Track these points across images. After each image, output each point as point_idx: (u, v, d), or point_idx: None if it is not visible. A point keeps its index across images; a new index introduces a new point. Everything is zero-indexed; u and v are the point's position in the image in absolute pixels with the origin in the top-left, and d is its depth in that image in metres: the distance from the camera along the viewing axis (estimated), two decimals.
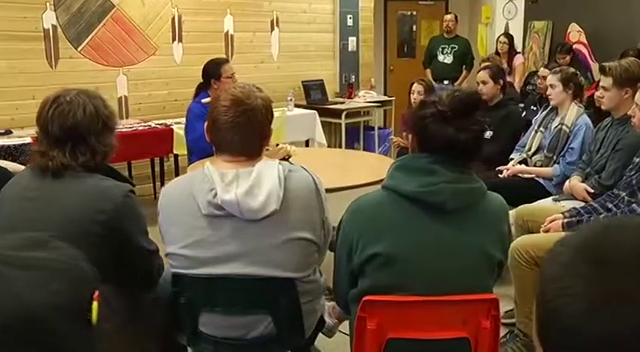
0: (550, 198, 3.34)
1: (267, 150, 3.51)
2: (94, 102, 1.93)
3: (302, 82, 6.45)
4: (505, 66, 6.28)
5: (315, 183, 1.78)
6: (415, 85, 4.58)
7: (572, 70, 3.67)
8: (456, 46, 6.74)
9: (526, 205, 3.12)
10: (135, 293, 1.96)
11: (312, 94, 6.51)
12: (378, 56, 8.63)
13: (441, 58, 6.79)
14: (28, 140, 4.16)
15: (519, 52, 6.40)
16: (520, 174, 3.68)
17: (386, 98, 6.99)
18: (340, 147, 6.36)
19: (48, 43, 4.80)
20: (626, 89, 2.99)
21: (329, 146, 6.41)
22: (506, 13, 6.78)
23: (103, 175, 1.94)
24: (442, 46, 6.81)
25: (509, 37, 6.33)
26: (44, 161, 1.82)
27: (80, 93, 1.94)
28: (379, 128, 6.73)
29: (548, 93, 3.71)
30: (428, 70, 6.94)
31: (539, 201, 3.31)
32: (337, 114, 6.26)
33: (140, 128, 4.81)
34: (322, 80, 6.65)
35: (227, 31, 5.91)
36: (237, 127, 1.73)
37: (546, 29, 6.51)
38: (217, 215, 1.69)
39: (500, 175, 3.75)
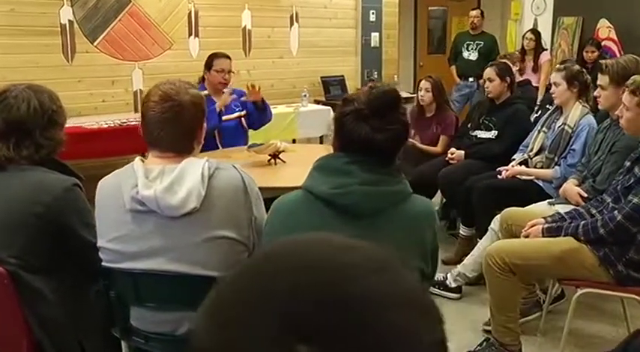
0: (546, 202, 3.20)
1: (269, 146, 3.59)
2: (39, 98, 1.96)
3: (321, 77, 6.41)
4: (531, 63, 6.08)
5: (244, 182, 1.75)
6: (423, 81, 4.47)
7: (577, 67, 3.50)
8: (482, 43, 6.55)
9: (512, 208, 2.99)
10: (78, 286, 1.98)
11: (332, 90, 6.46)
12: (408, 52, 8.50)
13: (465, 54, 6.62)
14: None
15: (546, 49, 6.17)
16: (519, 176, 3.54)
17: (407, 94, 6.86)
18: None
19: (64, 37, 4.92)
20: (624, 88, 2.82)
21: None
22: (535, 9, 6.54)
23: (52, 169, 1.97)
24: (467, 42, 6.64)
25: (536, 34, 6.10)
26: None
27: (27, 88, 1.97)
28: None
29: (552, 91, 3.55)
30: (453, 67, 6.78)
31: (533, 205, 3.18)
32: None
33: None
34: (343, 76, 6.60)
35: (244, 26, 5.92)
36: (164, 123, 1.71)
37: (575, 25, 6.24)
38: (140, 210, 1.68)
39: (499, 176, 3.62)
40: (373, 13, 6.72)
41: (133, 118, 4.92)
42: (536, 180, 3.49)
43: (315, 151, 4.24)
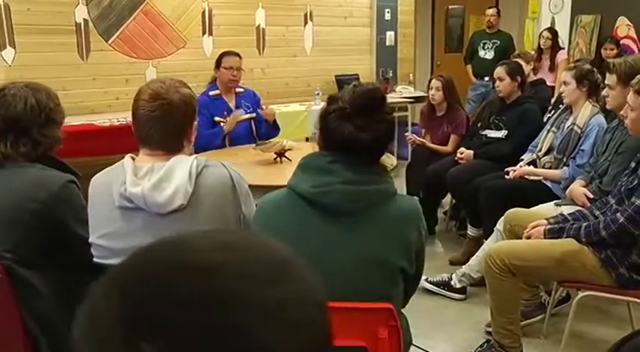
0: (552, 203, 3.15)
1: (274, 145, 3.60)
2: (36, 96, 1.99)
3: (335, 76, 6.41)
4: (548, 63, 5.99)
5: (232, 180, 1.76)
6: (433, 80, 4.44)
7: (587, 66, 3.44)
8: (498, 42, 6.48)
9: (516, 209, 2.95)
10: (73, 281, 2.00)
11: None
12: (425, 51, 8.45)
13: (481, 53, 6.55)
14: None
15: (563, 48, 6.08)
16: (527, 176, 3.50)
17: (422, 94, 6.82)
18: None
19: (79, 36, 4.99)
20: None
21: None
22: (553, 7, 6.45)
23: (49, 166, 2.00)
24: (483, 41, 6.57)
25: (553, 32, 6.01)
26: None
27: (26, 86, 2.01)
28: (412, 124, 6.58)
29: (561, 90, 3.50)
30: (469, 66, 6.71)
31: (540, 206, 3.13)
32: None
33: None
34: (357, 75, 6.58)
35: (259, 25, 5.94)
36: (153, 121, 1.73)
37: (594, 23, 6.14)
38: (129, 207, 1.70)
39: (506, 176, 3.57)
40: (388, 12, 6.70)
41: None
42: (544, 181, 3.44)
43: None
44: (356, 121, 1.49)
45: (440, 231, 4.41)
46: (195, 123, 1.84)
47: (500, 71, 3.97)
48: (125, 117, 4.86)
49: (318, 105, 5.85)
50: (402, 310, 1.77)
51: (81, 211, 1.96)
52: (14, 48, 4.76)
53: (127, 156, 1.78)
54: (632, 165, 2.50)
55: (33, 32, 4.80)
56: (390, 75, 6.87)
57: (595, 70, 3.45)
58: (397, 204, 1.56)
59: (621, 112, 2.54)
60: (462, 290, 3.32)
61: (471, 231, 3.80)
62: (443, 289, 3.36)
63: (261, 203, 1.66)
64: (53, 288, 1.96)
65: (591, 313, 3.01)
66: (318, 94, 5.90)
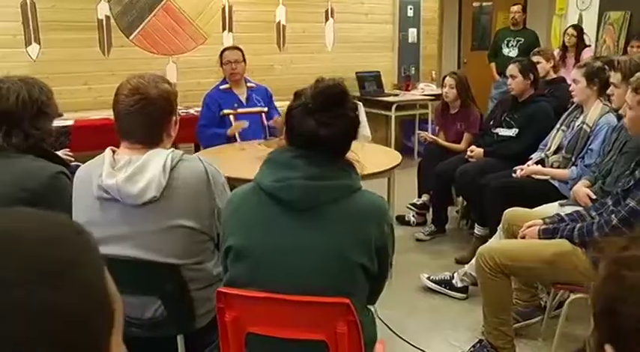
0: (557, 203, 3.10)
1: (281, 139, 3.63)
2: (29, 90, 2.06)
3: (356, 73, 6.40)
4: (572, 60, 5.85)
5: (207, 174, 1.79)
6: (447, 78, 4.40)
7: (598, 64, 3.35)
8: (522, 39, 6.36)
9: (515, 208, 2.91)
10: None
11: (367, 86, 6.44)
12: (452, 49, 8.35)
13: (505, 51, 6.45)
14: (70, 122, 4.49)
15: (589, 46, 5.92)
16: (534, 175, 3.44)
17: None
18: (389, 140, 6.24)
19: (101, 32, 5.12)
20: None
21: (380, 138, 6.32)
22: (580, 4, 6.29)
23: (41, 158, 2.07)
24: (507, 38, 6.46)
25: (578, 29, 5.87)
26: None
27: (20, 80, 2.08)
28: (432, 122, 6.52)
29: (571, 88, 3.43)
30: (493, 64, 6.61)
31: (544, 205, 3.08)
32: (388, 106, 6.15)
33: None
34: (379, 72, 6.56)
35: (279, 22, 5.97)
36: (132, 115, 1.78)
37: (622, 20, 5.96)
38: (106, 198, 1.75)
39: (514, 175, 3.52)
40: (411, 9, 6.65)
41: None
42: (551, 180, 3.38)
43: None
44: (317, 117, 1.50)
45: (451, 229, 4.37)
46: (174, 118, 1.88)
47: (512, 69, 3.91)
48: None
49: None
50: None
51: (70, 201, 2.03)
52: (39, 44, 4.91)
53: (108, 149, 1.83)
54: (632, 165, 2.44)
55: (57, 29, 4.95)
56: (413, 72, 6.82)
57: (607, 67, 3.36)
58: (359, 200, 1.56)
59: (620, 111, 2.48)
60: (463, 290, 3.29)
61: (477, 229, 3.76)
62: (444, 288, 3.33)
63: (231, 195, 1.69)
64: None
65: (588, 314, 2.94)
66: None
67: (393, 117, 6.13)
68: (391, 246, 1.66)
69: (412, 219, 4.45)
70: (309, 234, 1.51)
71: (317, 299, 1.48)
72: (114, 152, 1.84)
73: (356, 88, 6.43)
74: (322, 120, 1.50)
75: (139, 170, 1.73)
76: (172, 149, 1.82)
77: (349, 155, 1.60)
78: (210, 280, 1.84)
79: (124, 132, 1.82)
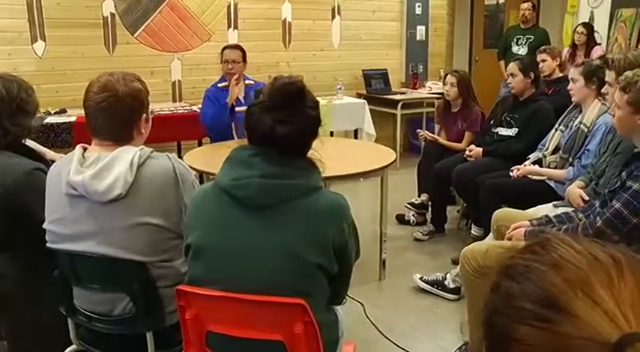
0: (551, 204, 3.04)
1: None
2: (7, 87, 2.09)
3: (362, 70, 6.36)
4: (582, 59, 5.75)
5: (175, 172, 1.79)
6: (448, 76, 4.35)
7: (597, 62, 3.29)
8: (532, 37, 6.26)
9: (505, 209, 2.87)
10: (35, 265, 2.08)
11: (374, 84, 6.40)
12: (463, 47, 8.27)
13: (515, 49, 6.35)
14: (73, 119, 4.53)
15: (599, 44, 5.81)
16: (530, 176, 3.38)
17: None
18: (395, 138, 6.20)
19: (106, 29, 5.15)
20: None
21: (387, 137, 6.28)
22: (592, 1, 6.17)
23: (19, 154, 2.09)
24: (517, 36, 6.36)
25: (588, 27, 5.76)
26: None
27: None
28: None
29: (569, 87, 3.36)
30: (502, 62, 6.52)
31: (538, 207, 3.02)
32: (394, 104, 6.11)
33: (180, 111, 5.03)
34: (386, 70, 6.51)
35: (285, 19, 5.96)
36: (100, 112, 1.79)
37: (635, 17, 5.82)
38: (74, 195, 1.76)
39: (511, 174, 3.47)
40: (419, 6, 6.59)
41: (166, 108, 5.09)
42: (547, 181, 3.32)
43: (330, 144, 4.22)
44: (275, 114, 1.48)
45: (451, 229, 4.32)
46: (145, 116, 1.88)
47: (512, 67, 3.85)
48: (150, 108, 5.00)
49: (340, 99, 5.83)
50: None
51: (45, 198, 2.04)
52: (44, 41, 4.96)
53: (78, 146, 1.84)
54: (620, 167, 2.39)
55: (62, 26, 4.99)
56: (421, 70, 6.76)
57: (605, 66, 3.29)
58: (318, 199, 1.54)
59: (609, 110, 2.42)
60: (455, 291, 3.25)
61: (474, 230, 3.71)
62: (436, 288, 3.30)
63: (195, 192, 1.69)
64: (15, 271, 2.05)
65: None
66: (340, 88, 5.88)
67: (399, 115, 6.08)
68: (354, 247, 1.63)
69: (412, 218, 4.42)
70: (266, 234, 1.50)
71: (272, 299, 1.47)
72: (85, 149, 1.85)
73: (362, 86, 6.39)
74: (278, 118, 1.48)
75: (106, 167, 1.73)
76: (142, 147, 1.82)
77: (312, 154, 1.58)
78: (179, 278, 1.83)
79: (93, 130, 1.83)
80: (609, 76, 2.72)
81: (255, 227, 1.51)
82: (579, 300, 0.57)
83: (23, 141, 2.16)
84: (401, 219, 4.44)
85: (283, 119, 1.48)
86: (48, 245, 1.87)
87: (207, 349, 1.61)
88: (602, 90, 2.88)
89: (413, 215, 4.42)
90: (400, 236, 4.22)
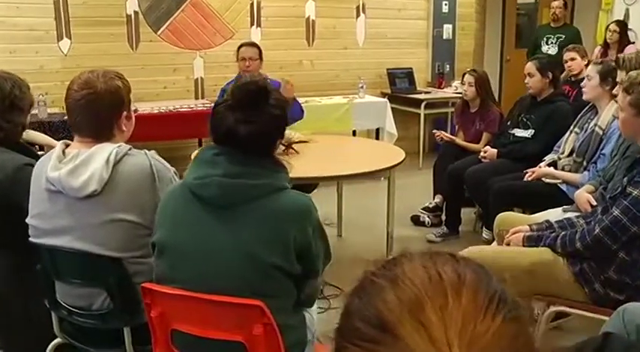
0: (561, 208, 2.94)
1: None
2: (1, 84, 2.12)
3: (387, 69, 6.30)
4: (614, 58, 5.55)
5: (152, 169, 1.79)
6: (466, 75, 4.27)
7: (614, 64, 3.16)
8: (563, 36, 6.08)
9: (508, 213, 2.78)
10: (24, 260, 2.12)
11: (398, 83, 6.32)
12: (495, 46, 8.09)
13: (545, 48, 6.18)
14: None
15: (633, 42, 5.60)
16: (544, 179, 3.28)
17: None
18: (418, 138, 6.11)
19: (130, 27, 5.24)
20: None
21: (411, 137, 6.20)
22: None
23: (13, 150, 2.13)
24: (547, 35, 6.19)
25: (621, 25, 5.56)
26: None
27: None
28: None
29: (582, 85, 3.24)
30: None
31: (547, 211, 2.93)
32: (418, 104, 6.02)
33: (201, 108, 5.07)
34: (411, 68, 6.42)
35: (308, 17, 5.94)
36: (79, 109, 1.81)
37: None
38: (53, 190, 1.78)
39: (527, 177, 3.36)
40: (446, 4, 6.47)
41: (187, 105, 5.15)
42: (559, 184, 3.21)
43: (338, 143, 4.19)
44: (237, 114, 1.47)
45: (465, 231, 4.23)
46: (126, 113, 1.89)
47: (530, 66, 3.74)
48: (172, 105, 5.07)
49: (362, 98, 5.78)
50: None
51: None
52: (70, 39, 5.08)
53: (60, 142, 1.87)
54: (624, 171, 2.28)
55: (87, 24, 5.09)
56: (447, 69, 6.65)
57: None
58: (281, 199, 1.52)
59: (612, 113, 2.32)
60: None
61: (485, 233, 3.63)
62: None
63: (166, 190, 1.69)
64: (6, 267, 2.10)
65: (581, 328, 2.79)
66: (362, 87, 5.83)
67: (422, 114, 5.99)
68: (321, 249, 1.60)
69: (427, 219, 4.34)
70: (227, 232, 1.49)
71: (230, 299, 1.46)
72: (67, 146, 1.87)
73: (387, 85, 6.33)
74: (241, 118, 1.47)
75: (83, 163, 1.75)
76: (120, 144, 1.83)
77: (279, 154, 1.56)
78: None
79: (73, 126, 1.85)
80: (620, 76, 2.62)
81: (216, 226, 1.50)
82: (406, 322, 0.53)
83: (24, 137, 2.20)
84: (416, 220, 4.37)
85: (246, 118, 1.47)
86: (30, 239, 1.90)
87: (173, 347, 1.61)
88: (614, 91, 2.76)
89: (428, 216, 4.35)
90: (413, 237, 4.16)
